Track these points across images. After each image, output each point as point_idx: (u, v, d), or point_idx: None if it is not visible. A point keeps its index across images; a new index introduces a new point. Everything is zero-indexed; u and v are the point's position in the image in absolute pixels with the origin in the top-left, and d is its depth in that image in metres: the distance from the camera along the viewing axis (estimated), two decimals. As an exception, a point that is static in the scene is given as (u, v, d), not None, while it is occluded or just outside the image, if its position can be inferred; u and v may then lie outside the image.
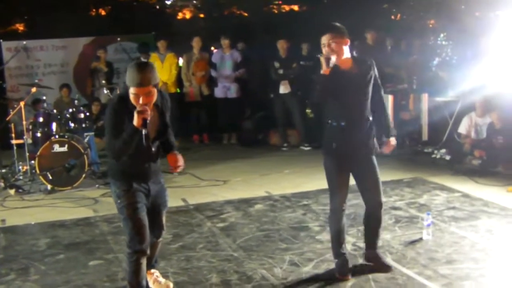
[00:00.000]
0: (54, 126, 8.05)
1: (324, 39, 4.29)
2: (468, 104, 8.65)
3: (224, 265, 4.89)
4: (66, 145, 7.76)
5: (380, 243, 4.83)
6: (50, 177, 7.65)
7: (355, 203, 6.05)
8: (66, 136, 7.91)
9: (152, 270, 4.47)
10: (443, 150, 8.83)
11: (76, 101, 8.69)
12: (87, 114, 8.48)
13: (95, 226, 6.15)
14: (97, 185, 7.79)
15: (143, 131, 3.76)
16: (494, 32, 9.00)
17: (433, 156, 8.85)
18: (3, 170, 8.30)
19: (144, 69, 3.77)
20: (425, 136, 9.45)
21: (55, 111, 8.30)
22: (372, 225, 4.64)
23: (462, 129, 8.59)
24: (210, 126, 11.01)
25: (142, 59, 10.60)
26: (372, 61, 4.46)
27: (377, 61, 4.54)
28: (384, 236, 4.75)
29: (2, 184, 7.85)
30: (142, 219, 3.95)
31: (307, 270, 4.75)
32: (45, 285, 4.63)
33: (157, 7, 17.57)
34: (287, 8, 18.02)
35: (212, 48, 12.19)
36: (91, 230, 6.02)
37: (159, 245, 4.46)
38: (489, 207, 6.28)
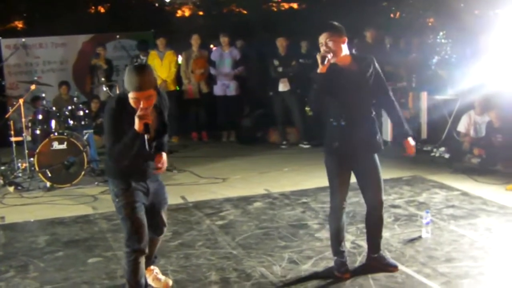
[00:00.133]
0: (53, 123, 8.04)
1: (322, 38, 4.29)
2: (468, 102, 8.65)
3: (223, 263, 4.89)
4: (65, 143, 7.76)
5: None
6: (49, 175, 7.65)
7: (354, 201, 6.06)
8: (65, 134, 7.91)
9: (152, 267, 4.47)
10: (442, 149, 8.84)
11: (75, 99, 8.68)
12: (86, 111, 8.46)
13: (94, 223, 6.15)
14: (96, 183, 7.79)
15: (145, 136, 3.70)
16: (493, 31, 9.01)
17: (432, 154, 8.86)
18: (2, 167, 8.30)
19: (143, 72, 3.68)
20: (424, 134, 9.45)
21: (54, 108, 8.29)
22: (373, 225, 4.63)
23: (461, 127, 8.59)
24: (209, 123, 11.02)
25: (141, 57, 10.63)
26: (372, 58, 4.44)
27: (376, 59, 4.52)
28: (383, 234, 4.74)
29: (1, 181, 7.85)
30: (140, 218, 3.93)
31: (306, 268, 4.75)
32: (44, 282, 4.63)
33: (156, 4, 17.57)
34: (286, 6, 18.03)
35: (211, 45, 12.19)
36: (90, 227, 6.02)
37: (159, 242, 4.46)
38: (488, 205, 6.28)
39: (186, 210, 6.51)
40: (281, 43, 10.05)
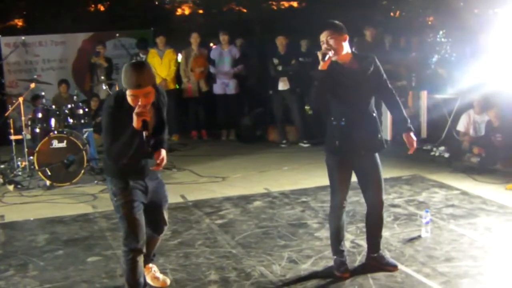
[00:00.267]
0: (53, 122, 8.04)
1: (323, 36, 4.29)
2: (467, 101, 8.65)
3: (222, 262, 4.89)
4: (65, 141, 7.76)
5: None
6: (49, 173, 7.65)
7: (354, 200, 6.07)
8: (65, 132, 7.91)
9: (150, 265, 4.46)
10: (442, 148, 8.84)
11: (75, 97, 8.68)
12: (86, 110, 8.46)
13: (94, 222, 6.15)
14: (96, 181, 7.78)
15: (144, 133, 3.69)
16: (493, 30, 9.00)
17: (432, 153, 8.86)
18: (2, 166, 8.31)
19: (141, 69, 3.68)
20: (424, 134, 9.45)
21: (54, 106, 8.30)
22: (373, 225, 4.63)
23: (461, 126, 8.59)
24: (208, 122, 11.01)
25: (141, 55, 10.62)
26: (373, 57, 4.44)
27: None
28: (383, 234, 4.75)
29: (1, 180, 7.84)
30: (138, 218, 3.93)
31: (306, 267, 4.75)
32: (44, 281, 4.63)
33: (156, 2, 17.53)
34: (286, 4, 17.99)
35: (211, 44, 12.18)
36: (90, 226, 6.02)
37: (159, 241, 4.46)
38: (487, 205, 6.29)
39: (186, 209, 6.51)
40: (280, 42, 10.04)
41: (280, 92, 10.06)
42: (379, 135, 4.49)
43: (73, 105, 8.32)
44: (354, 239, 5.29)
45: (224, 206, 6.58)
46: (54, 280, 4.65)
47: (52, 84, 9.68)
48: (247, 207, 6.52)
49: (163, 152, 3.99)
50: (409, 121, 4.55)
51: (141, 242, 3.95)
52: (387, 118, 9.30)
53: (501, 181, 7.18)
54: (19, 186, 7.64)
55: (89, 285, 4.55)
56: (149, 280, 4.39)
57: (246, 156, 9.33)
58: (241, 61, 10.66)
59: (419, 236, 5.33)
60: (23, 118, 8.19)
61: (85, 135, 8.36)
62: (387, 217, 5.84)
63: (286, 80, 9.97)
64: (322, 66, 4.21)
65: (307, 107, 10.81)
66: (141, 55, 10.68)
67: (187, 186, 7.58)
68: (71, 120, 8.19)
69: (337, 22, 4.34)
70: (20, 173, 8.10)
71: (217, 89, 10.67)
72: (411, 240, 5.28)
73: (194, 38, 10.60)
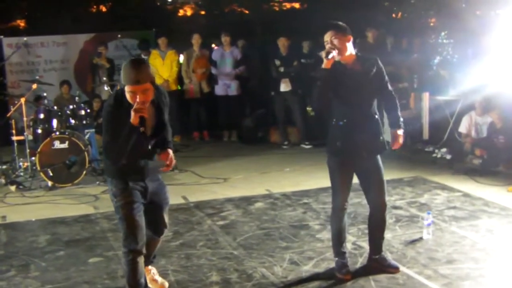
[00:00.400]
0: (54, 122, 8.05)
1: (327, 36, 4.29)
2: (470, 103, 8.64)
3: (224, 263, 4.89)
4: (67, 142, 7.76)
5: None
6: (51, 174, 7.65)
7: (356, 202, 6.06)
8: (66, 133, 7.91)
9: (150, 267, 4.45)
10: (444, 149, 8.82)
11: (76, 98, 8.68)
12: (88, 110, 8.46)
13: (95, 223, 6.15)
14: (97, 182, 7.79)
15: (141, 129, 3.70)
16: (495, 31, 9.00)
17: (434, 155, 8.84)
18: (4, 167, 8.30)
19: (139, 66, 3.70)
20: (425, 135, 9.44)
21: (55, 107, 8.30)
22: (376, 227, 4.62)
23: (463, 128, 8.58)
24: (210, 123, 11.01)
25: (143, 56, 10.62)
26: (376, 59, 4.44)
27: (378, 60, 4.53)
28: (385, 235, 4.74)
29: (3, 181, 7.85)
30: (137, 219, 3.92)
31: (307, 269, 4.75)
32: (45, 282, 4.64)
33: (158, 4, 17.56)
34: (288, 5, 18.01)
35: (213, 45, 12.18)
36: (92, 227, 6.02)
37: (159, 242, 4.45)
38: (489, 206, 6.28)
39: (187, 210, 6.51)
40: (282, 43, 10.03)
41: (282, 93, 10.06)
42: (381, 137, 4.48)
43: (75, 106, 8.32)
44: (356, 241, 5.28)
45: (225, 207, 6.58)
46: (55, 280, 4.65)
47: (54, 85, 9.68)
48: (248, 208, 6.51)
49: (171, 153, 4.00)
50: (402, 120, 4.57)
51: (141, 243, 3.95)
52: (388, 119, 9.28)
53: (503, 183, 7.17)
54: (21, 187, 7.64)
55: (90, 286, 4.55)
56: (148, 283, 4.37)
57: (248, 157, 9.32)
58: (242, 62, 10.66)
59: (421, 238, 5.32)
60: (25, 119, 8.19)
61: (87, 136, 8.36)
62: (388, 219, 5.81)
63: (288, 82, 9.97)
64: (325, 64, 4.21)
65: (309, 109, 10.82)
66: (143, 56, 10.68)
67: (188, 187, 7.58)
68: (73, 121, 8.19)
69: (341, 23, 4.35)
70: (22, 173, 8.11)
71: (219, 90, 10.67)
72: (413, 242, 5.27)
73: (196, 39, 10.61)
